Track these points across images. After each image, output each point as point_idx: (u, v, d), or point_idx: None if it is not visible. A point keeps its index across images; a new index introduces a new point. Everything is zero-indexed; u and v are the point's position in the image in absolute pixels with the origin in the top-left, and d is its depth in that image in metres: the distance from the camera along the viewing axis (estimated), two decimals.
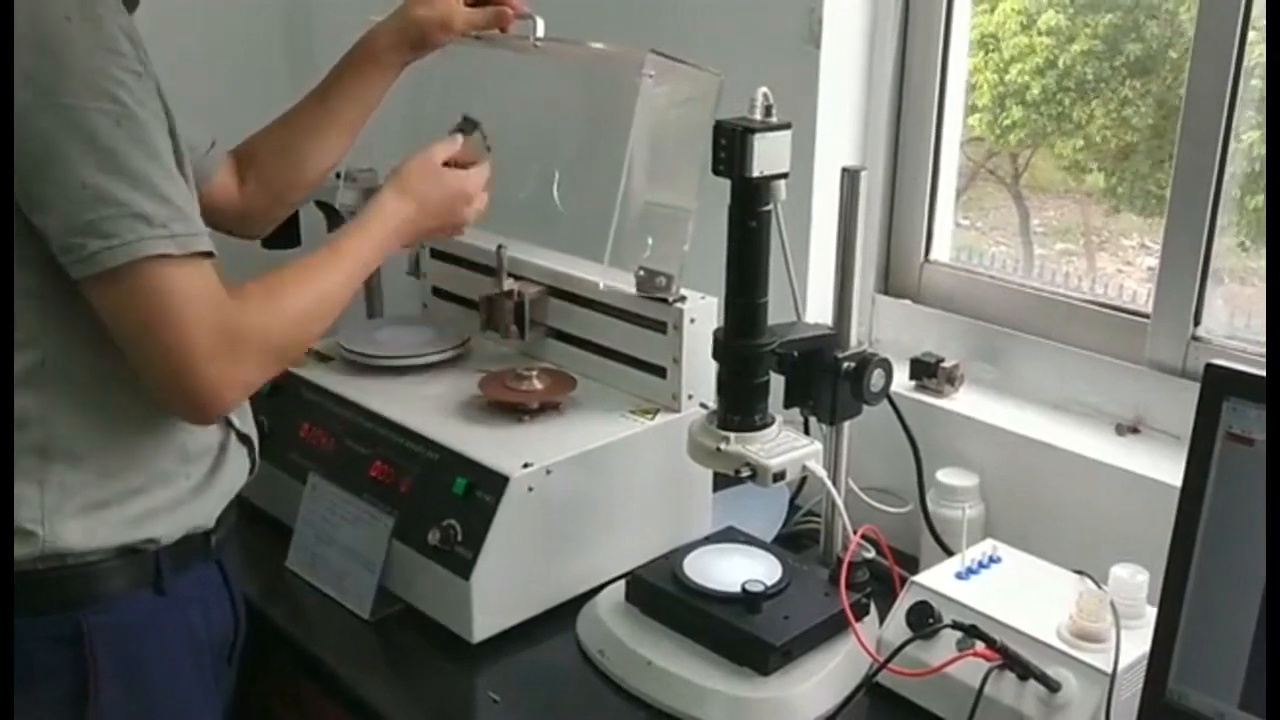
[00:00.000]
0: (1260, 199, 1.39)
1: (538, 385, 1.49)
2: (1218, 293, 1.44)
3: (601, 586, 1.39)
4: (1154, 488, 1.33)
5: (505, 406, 1.47)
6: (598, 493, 1.41)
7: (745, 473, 1.27)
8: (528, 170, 1.77)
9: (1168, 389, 1.45)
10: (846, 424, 1.40)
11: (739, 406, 1.30)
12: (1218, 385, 1.00)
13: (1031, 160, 1.86)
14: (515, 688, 1.29)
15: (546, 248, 1.67)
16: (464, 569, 1.30)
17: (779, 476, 1.27)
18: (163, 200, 1.03)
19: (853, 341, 1.38)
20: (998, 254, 1.83)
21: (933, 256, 1.71)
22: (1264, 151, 1.37)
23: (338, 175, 2.01)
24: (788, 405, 1.38)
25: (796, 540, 1.58)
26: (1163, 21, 1.56)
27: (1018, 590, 1.25)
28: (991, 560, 1.31)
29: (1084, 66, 1.63)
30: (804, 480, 1.57)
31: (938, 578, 1.27)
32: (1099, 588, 1.21)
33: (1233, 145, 1.37)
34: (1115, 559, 1.22)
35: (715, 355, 1.33)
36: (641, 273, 1.46)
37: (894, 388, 1.42)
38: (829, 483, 1.36)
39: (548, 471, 1.34)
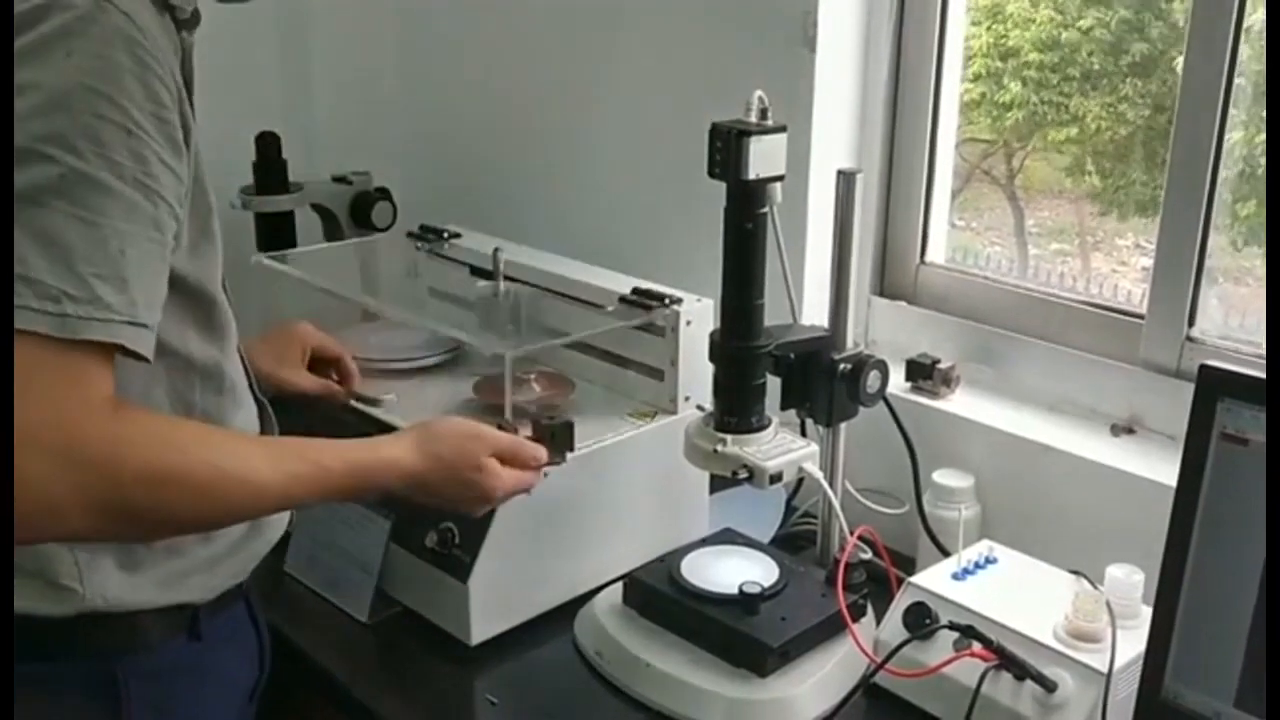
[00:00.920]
0: (1251, 206, 1.40)
1: (536, 388, 1.49)
2: (1212, 293, 1.44)
3: (599, 589, 1.40)
4: (1149, 488, 1.34)
5: (501, 409, 1.47)
6: (595, 495, 1.41)
7: (742, 474, 1.28)
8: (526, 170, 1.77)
9: (1162, 389, 1.45)
10: (843, 425, 1.40)
11: (735, 408, 1.30)
12: (1212, 386, 1.00)
13: (1026, 161, 1.86)
14: (513, 690, 1.29)
15: (544, 249, 1.68)
16: (462, 572, 1.31)
17: (776, 478, 1.27)
18: (69, 274, 0.86)
19: (849, 343, 1.38)
20: (993, 255, 1.83)
21: (928, 258, 1.71)
22: (1248, 153, 1.38)
23: (333, 179, 2.01)
24: (784, 407, 1.38)
25: (793, 541, 1.58)
26: (1168, 24, 1.56)
27: (1014, 590, 1.26)
28: (988, 561, 1.31)
29: (1089, 56, 1.62)
30: (800, 482, 1.57)
31: (934, 578, 1.28)
32: (1095, 588, 1.22)
33: (1226, 145, 1.37)
34: (1111, 559, 1.23)
35: (712, 357, 1.33)
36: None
37: (890, 389, 1.42)
38: (825, 484, 1.36)
39: (545, 474, 1.34)
